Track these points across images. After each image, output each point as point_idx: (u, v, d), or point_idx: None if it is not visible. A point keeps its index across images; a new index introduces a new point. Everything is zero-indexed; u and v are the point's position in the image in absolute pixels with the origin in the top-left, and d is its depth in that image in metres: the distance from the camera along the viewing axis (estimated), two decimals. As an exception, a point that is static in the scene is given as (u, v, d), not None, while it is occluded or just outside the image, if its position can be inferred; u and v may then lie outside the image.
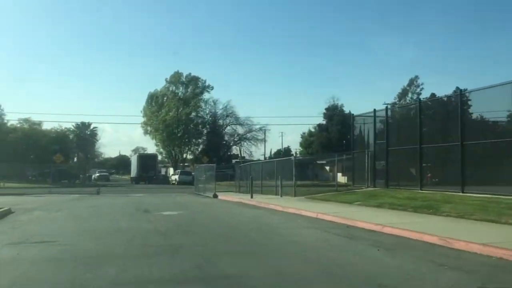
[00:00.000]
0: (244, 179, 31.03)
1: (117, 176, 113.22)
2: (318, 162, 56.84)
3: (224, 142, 69.50)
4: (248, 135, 69.82)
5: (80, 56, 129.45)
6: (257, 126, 68.70)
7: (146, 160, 60.96)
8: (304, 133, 73.78)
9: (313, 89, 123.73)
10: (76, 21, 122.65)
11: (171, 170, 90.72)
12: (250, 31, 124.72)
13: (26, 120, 54.28)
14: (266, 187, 26.94)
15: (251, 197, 23.76)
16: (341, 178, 36.69)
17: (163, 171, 79.70)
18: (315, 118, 79.98)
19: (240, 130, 69.92)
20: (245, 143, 70.53)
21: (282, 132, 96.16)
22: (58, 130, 63.83)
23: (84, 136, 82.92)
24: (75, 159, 72.62)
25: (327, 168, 55.45)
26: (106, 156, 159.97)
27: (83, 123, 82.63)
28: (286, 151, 75.08)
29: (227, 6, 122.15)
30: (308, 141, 71.08)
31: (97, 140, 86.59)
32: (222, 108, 69.57)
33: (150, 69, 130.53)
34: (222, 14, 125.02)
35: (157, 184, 53.38)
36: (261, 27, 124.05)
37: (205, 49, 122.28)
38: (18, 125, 50.98)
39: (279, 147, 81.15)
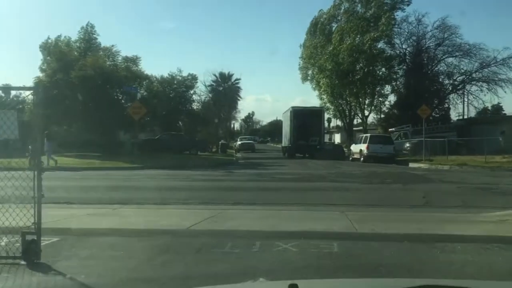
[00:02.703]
0: None
1: (272, 144, 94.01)
2: None
3: (436, 87, 41.88)
4: (485, 71, 40.85)
5: None
6: (501, 56, 39.34)
7: (305, 118, 37.72)
8: None
9: None
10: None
11: (336, 137, 66.32)
12: None
13: (107, 51, 34.47)
14: None
15: None
16: None
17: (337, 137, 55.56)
18: None
19: (466, 65, 41.36)
20: (473, 89, 41.94)
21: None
22: (178, 76, 44.05)
23: (223, 90, 63.01)
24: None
25: None
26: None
27: (221, 74, 62.74)
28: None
29: None
30: None
31: (240, 98, 66.14)
32: (431, 31, 41.80)
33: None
34: None
35: (325, 160, 29.98)
36: None
37: None
38: (90, 59, 31.13)
39: None
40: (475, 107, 42.91)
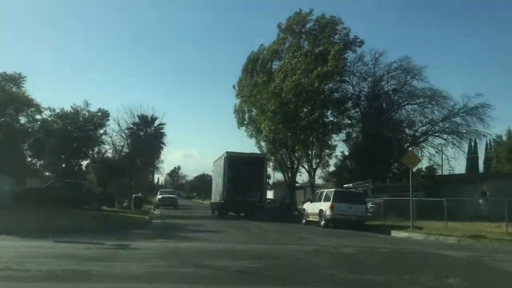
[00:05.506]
0: None
1: (198, 200, 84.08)
2: None
3: (399, 136, 35.00)
4: (447, 124, 34.70)
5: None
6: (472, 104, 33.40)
7: (243, 168, 29.35)
8: None
9: None
10: None
11: (268, 194, 57.36)
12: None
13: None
14: None
15: None
16: None
17: (269, 194, 46.52)
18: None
19: (431, 114, 35.07)
20: (437, 141, 35.51)
21: None
22: (85, 110, 34.75)
23: (145, 136, 52.94)
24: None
25: None
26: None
27: (143, 117, 52.77)
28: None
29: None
30: None
31: (163, 144, 56.07)
32: (389, 73, 35.50)
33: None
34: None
35: (269, 222, 21.91)
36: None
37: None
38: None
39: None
40: (435, 163, 36.51)
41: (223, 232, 16.99)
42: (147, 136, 53.84)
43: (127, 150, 48.66)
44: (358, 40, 37.10)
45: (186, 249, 10.28)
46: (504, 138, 44.86)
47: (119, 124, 44.01)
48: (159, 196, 46.24)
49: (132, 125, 52.42)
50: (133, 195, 37.82)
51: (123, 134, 47.40)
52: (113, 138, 43.09)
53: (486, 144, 48.71)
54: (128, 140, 50.06)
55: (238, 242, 13.13)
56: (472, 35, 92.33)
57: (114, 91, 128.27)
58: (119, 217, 23.31)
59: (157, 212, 35.39)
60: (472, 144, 49.78)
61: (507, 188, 26.92)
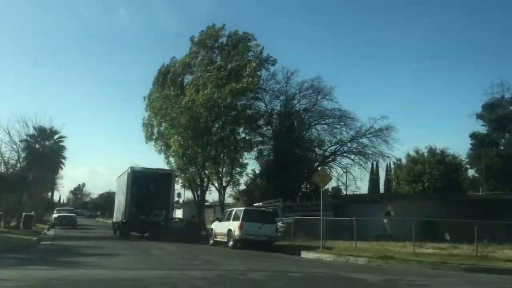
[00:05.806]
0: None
1: (102, 220, 79.07)
2: None
3: (309, 155, 34.96)
4: (354, 144, 35.32)
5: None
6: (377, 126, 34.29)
7: (148, 184, 27.41)
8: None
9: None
10: None
11: (177, 213, 54.78)
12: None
13: None
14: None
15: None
16: None
17: (178, 213, 44.24)
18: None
19: (340, 134, 35.51)
20: (345, 161, 35.94)
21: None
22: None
23: (42, 149, 48.29)
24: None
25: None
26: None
27: (41, 129, 48.14)
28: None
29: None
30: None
31: (64, 158, 51.82)
32: (301, 92, 35.57)
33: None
34: None
35: (173, 243, 20.63)
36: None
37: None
38: None
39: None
40: (342, 183, 37.06)
41: (118, 255, 15.04)
42: (44, 150, 49.30)
43: (20, 164, 43.87)
44: (271, 59, 36.95)
45: (61, 278, 8.39)
46: (404, 161, 47.04)
47: (9, 135, 39.24)
48: (55, 215, 42.20)
49: (26, 137, 47.63)
50: (24, 214, 33.83)
51: (14, 146, 42.58)
52: (1, 150, 38.26)
53: (387, 166, 50.83)
54: (20, 153, 45.17)
55: (132, 267, 11.37)
56: (380, 56, 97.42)
57: (4, 99, 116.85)
58: (3, 237, 20.18)
59: (51, 232, 32.10)
60: (374, 165, 51.81)
61: (409, 208, 27.74)
